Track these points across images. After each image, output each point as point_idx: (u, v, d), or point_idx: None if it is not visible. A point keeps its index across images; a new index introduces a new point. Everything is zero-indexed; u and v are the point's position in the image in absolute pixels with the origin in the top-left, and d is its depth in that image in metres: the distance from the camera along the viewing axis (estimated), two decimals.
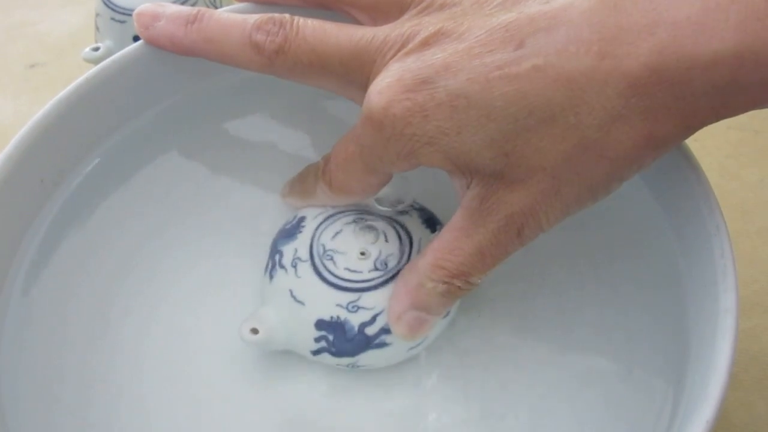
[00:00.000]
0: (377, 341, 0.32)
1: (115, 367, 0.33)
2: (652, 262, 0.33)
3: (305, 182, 0.34)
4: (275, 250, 0.34)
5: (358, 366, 0.33)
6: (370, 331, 0.32)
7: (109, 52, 0.44)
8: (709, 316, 0.27)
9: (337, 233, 0.33)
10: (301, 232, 0.33)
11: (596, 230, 0.34)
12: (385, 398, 0.34)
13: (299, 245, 0.33)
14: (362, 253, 0.32)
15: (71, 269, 0.34)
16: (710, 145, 0.46)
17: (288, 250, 0.33)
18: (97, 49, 0.47)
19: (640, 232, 0.34)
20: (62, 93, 0.32)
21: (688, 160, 0.31)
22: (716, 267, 0.28)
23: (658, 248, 0.32)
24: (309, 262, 0.32)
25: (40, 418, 0.31)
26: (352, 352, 0.32)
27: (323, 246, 0.32)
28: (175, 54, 0.33)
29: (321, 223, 0.33)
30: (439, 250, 0.29)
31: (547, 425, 0.32)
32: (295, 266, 0.32)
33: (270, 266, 0.34)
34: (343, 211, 0.34)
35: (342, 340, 0.32)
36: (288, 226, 0.34)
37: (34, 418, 0.31)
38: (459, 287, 0.30)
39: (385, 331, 0.32)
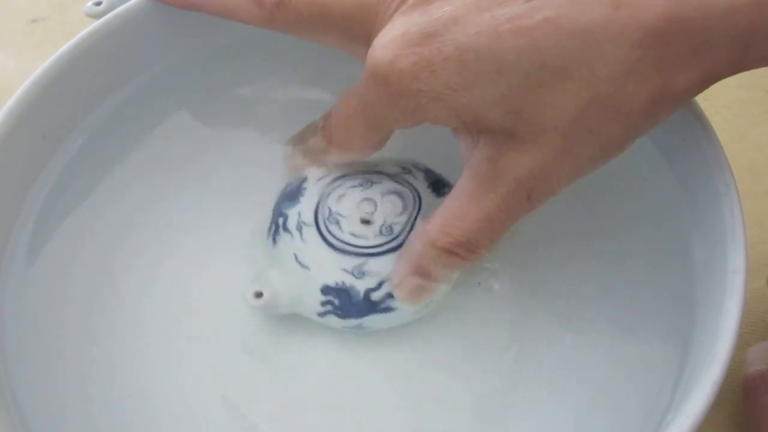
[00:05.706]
0: (382, 306, 0.32)
1: (117, 323, 0.34)
2: (661, 222, 0.32)
3: (305, 139, 0.34)
4: (279, 213, 0.33)
5: (363, 328, 0.33)
6: (376, 296, 0.31)
7: (112, 7, 0.43)
8: (718, 276, 0.27)
9: (341, 196, 0.32)
10: (303, 194, 0.33)
11: (603, 188, 0.34)
12: (391, 356, 0.34)
13: (303, 208, 0.33)
14: (366, 220, 0.32)
15: (74, 227, 0.34)
16: (719, 104, 0.46)
17: (292, 214, 0.33)
18: (99, 3, 0.46)
19: (649, 191, 0.33)
20: (64, 48, 0.32)
21: (698, 119, 0.30)
22: (725, 227, 0.27)
23: (667, 208, 0.32)
24: (314, 227, 0.32)
25: (43, 372, 0.31)
26: (358, 315, 0.32)
27: (329, 209, 0.32)
28: (178, 9, 0.33)
29: (326, 186, 0.33)
30: (445, 216, 0.29)
31: (550, 383, 0.32)
32: (300, 230, 0.32)
33: (273, 229, 0.33)
34: (348, 174, 0.33)
35: (348, 305, 0.32)
36: (290, 189, 0.34)
37: (37, 373, 0.31)
38: (463, 257, 0.29)
39: (391, 296, 0.32)
